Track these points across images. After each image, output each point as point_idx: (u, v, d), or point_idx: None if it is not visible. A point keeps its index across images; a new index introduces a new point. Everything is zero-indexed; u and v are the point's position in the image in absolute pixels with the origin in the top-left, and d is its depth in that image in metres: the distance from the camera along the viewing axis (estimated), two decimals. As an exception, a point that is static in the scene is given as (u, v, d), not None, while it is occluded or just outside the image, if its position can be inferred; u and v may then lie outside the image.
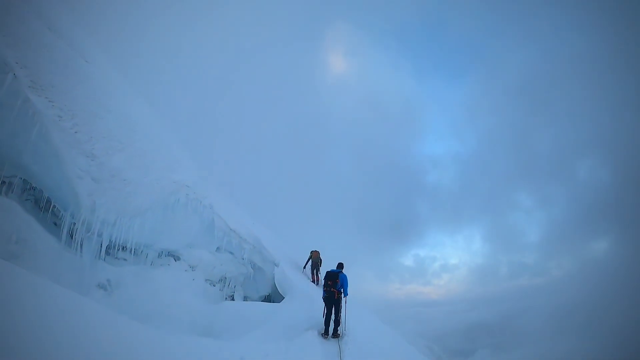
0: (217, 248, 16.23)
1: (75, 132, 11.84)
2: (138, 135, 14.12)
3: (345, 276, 10.87)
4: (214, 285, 15.97)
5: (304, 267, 17.91)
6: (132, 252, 14.05)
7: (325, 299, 10.65)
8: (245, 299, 17.00)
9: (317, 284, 16.76)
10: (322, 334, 10.51)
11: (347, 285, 10.84)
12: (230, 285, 16.48)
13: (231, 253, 16.51)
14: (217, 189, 18.17)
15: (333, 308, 10.61)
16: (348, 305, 11.25)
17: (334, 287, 10.50)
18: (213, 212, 15.67)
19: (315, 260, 17.30)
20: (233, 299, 16.42)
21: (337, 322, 10.64)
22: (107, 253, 13.58)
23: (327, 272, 10.98)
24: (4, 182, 11.57)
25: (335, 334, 10.51)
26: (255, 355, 7.70)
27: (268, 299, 17.43)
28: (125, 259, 14.07)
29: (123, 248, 13.72)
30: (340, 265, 11.39)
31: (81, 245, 12.07)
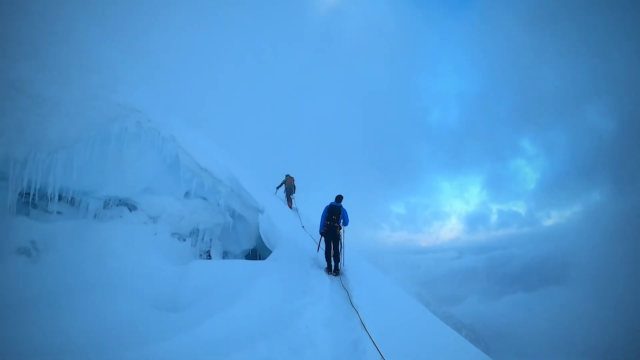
0: (186, 193, 13.07)
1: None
2: (61, 41, 10.20)
3: (345, 210, 10.35)
4: (184, 240, 12.81)
5: (277, 190, 17.72)
6: (70, 202, 10.90)
7: (325, 233, 10.05)
8: (225, 255, 14.00)
9: (292, 208, 16.90)
10: (325, 269, 10.05)
11: (347, 218, 10.32)
12: (204, 239, 13.39)
13: (204, 198, 13.42)
14: (180, 117, 14.42)
15: (332, 243, 10.03)
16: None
17: (337, 222, 10.05)
18: (177, 146, 12.17)
19: (289, 186, 17.12)
20: (209, 256, 13.30)
21: (337, 259, 10.03)
22: (34, 206, 10.46)
23: (331, 206, 10.24)
24: None
25: (337, 271, 9.92)
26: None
27: (254, 253, 14.64)
28: (60, 212, 10.82)
29: (58, 197, 10.51)
30: (340, 198, 10.57)
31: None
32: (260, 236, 12.88)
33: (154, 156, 11.79)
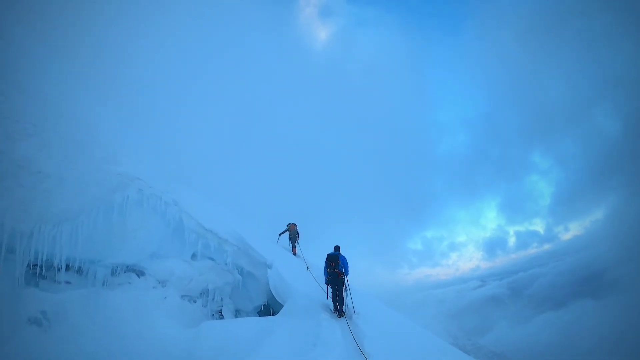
0: (193, 255, 13.07)
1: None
2: (62, 119, 10.63)
3: (344, 257, 10.94)
4: (195, 302, 12.70)
5: (279, 237, 17.82)
6: (78, 271, 10.93)
7: (330, 280, 10.64)
8: (237, 312, 13.79)
9: (296, 254, 17.15)
10: (332, 311, 10.55)
11: (347, 265, 10.90)
12: (215, 299, 13.25)
13: (211, 259, 13.35)
14: (181, 182, 14.63)
15: (337, 288, 10.58)
16: (353, 292, 11.13)
17: (337, 267, 10.53)
18: (180, 209, 12.36)
19: (293, 232, 17.38)
20: (222, 315, 13.13)
21: (341, 302, 10.52)
22: (42, 277, 10.49)
23: (328, 255, 10.88)
24: None
25: (341, 313, 10.39)
26: None
27: (266, 307, 14.34)
28: (68, 282, 10.88)
29: (66, 267, 10.59)
30: (337, 248, 11.34)
31: (-10, 270, 8.92)
32: (271, 291, 12.81)
33: (158, 221, 11.98)
